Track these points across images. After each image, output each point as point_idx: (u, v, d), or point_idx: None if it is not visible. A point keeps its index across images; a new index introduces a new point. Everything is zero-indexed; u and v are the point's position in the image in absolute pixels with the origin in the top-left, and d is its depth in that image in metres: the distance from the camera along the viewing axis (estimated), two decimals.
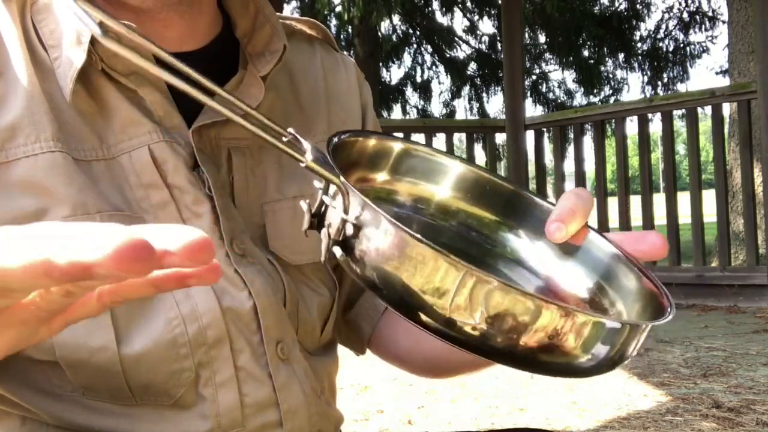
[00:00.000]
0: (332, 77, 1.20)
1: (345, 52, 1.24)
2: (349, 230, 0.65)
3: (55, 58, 0.95)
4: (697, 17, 17.27)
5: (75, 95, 0.93)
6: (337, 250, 0.66)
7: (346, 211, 0.65)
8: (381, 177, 0.88)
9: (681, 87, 17.82)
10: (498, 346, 0.63)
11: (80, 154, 0.92)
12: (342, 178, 0.66)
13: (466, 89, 18.48)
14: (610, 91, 18.26)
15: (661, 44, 17.58)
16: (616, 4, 17.20)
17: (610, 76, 18.14)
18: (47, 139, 0.90)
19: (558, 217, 0.84)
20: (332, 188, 0.68)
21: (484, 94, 18.32)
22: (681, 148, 39.02)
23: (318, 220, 0.71)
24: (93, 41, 0.92)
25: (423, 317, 0.63)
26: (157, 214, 0.95)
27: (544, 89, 18.71)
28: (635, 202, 7.86)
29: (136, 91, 0.96)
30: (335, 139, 0.81)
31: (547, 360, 0.67)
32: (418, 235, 0.61)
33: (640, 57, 17.63)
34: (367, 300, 1.21)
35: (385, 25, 17.41)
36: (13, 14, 0.95)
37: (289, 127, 1.11)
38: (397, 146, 0.88)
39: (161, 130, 0.96)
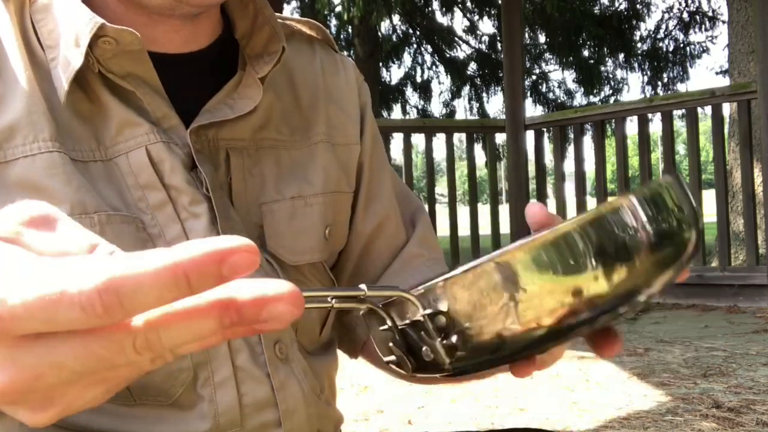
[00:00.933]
0: (331, 78, 1.20)
1: (345, 53, 1.25)
2: (441, 320, 0.64)
3: (52, 59, 0.95)
4: (697, 17, 17.28)
5: (72, 96, 0.94)
6: (451, 342, 0.64)
7: (424, 308, 0.63)
8: None
9: (681, 87, 17.86)
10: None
11: (78, 155, 0.92)
12: (401, 289, 0.65)
13: (466, 89, 18.50)
14: (610, 91, 18.28)
15: (661, 44, 17.59)
16: (616, 4, 17.21)
17: (610, 76, 18.15)
18: (45, 139, 0.90)
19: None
20: (395, 312, 0.66)
21: (484, 94, 18.34)
22: (681, 148, 39.04)
23: (406, 348, 0.68)
24: (91, 43, 0.92)
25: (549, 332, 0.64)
26: (154, 214, 0.95)
27: (544, 89, 18.73)
28: None
29: (133, 92, 0.96)
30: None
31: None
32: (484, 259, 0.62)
33: (640, 57, 17.64)
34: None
35: (385, 25, 17.43)
36: (11, 13, 0.96)
37: (288, 126, 1.11)
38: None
39: (158, 131, 0.96)
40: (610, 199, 0.67)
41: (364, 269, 1.21)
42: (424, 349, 0.66)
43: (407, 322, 0.65)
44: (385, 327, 0.67)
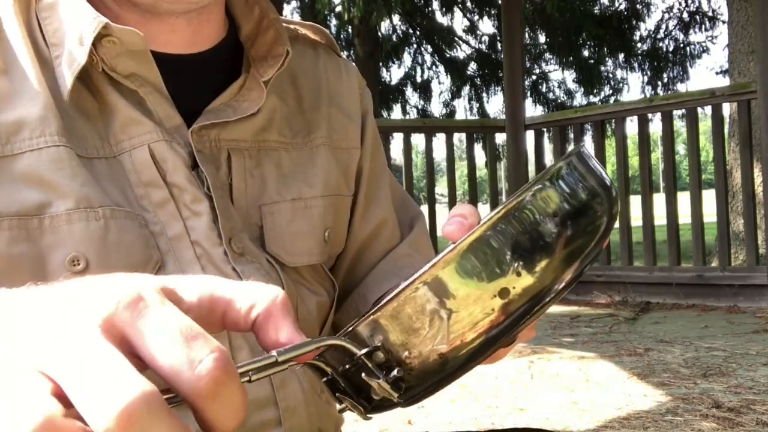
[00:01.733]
0: (334, 82, 1.20)
1: (345, 53, 1.25)
2: (379, 357, 0.63)
3: (57, 57, 0.95)
4: (697, 17, 17.28)
5: (76, 94, 0.94)
6: (395, 375, 0.63)
7: (359, 349, 0.62)
8: None
9: (681, 87, 17.90)
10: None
11: (82, 151, 0.93)
12: (330, 337, 0.62)
13: (466, 89, 18.49)
14: (610, 91, 18.27)
15: (661, 44, 17.58)
16: (616, 4, 17.21)
17: (610, 76, 18.14)
18: (52, 133, 0.90)
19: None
20: (333, 359, 0.64)
21: (484, 94, 18.33)
22: (681, 148, 39.06)
23: (352, 389, 0.65)
24: (95, 42, 0.93)
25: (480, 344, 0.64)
26: (156, 212, 0.95)
27: (544, 89, 18.72)
28: (635, 202, 7.87)
29: (136, 91, 0.96)
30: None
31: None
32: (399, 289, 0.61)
33: (640, 57, 17.63)
34: (350, 304, 1.22)
35: (385, 25, 17.41)
36: (17, 12, 0.96)
37: (290, 128, 1.12)
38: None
39: (161, 129, 0.97)
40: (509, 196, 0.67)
41: (357, 271, 1.22)
42: (371, 389, 0.64)
43: (347, 366, 0.63)
44: (326, 378, 0.65)
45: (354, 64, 1.28)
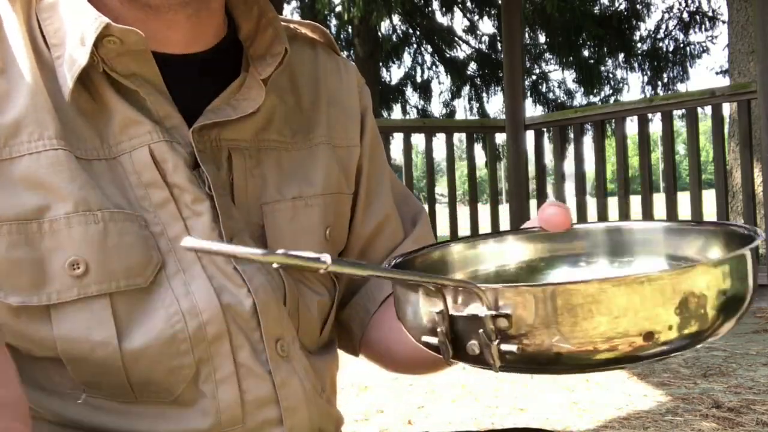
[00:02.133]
0: (333, 80, 1.21)
1: (345, 53, 1.25)
2: (503, 323, 0.64)
3: (57, 57, 0.95)
4: (697, 17, 17.28)
5: (76, 95, 0.94)
6: (507, 348, 0.65)
7: (489, 308, 0.63)
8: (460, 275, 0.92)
9: (681, 87, 17.87)
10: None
11: (82, 153, 0.93)
12: (472, 283, 0.64)
13: (466, 89, 18.50)
14: (610, 91, 18.27)
15: (661, 44, 17.58)
16: (616, 4, 17.21)
17: (610, 76, 18.14)
18: (50, 136, 0.90)
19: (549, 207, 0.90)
20: (450, 300, 0.66)
21: (484, 94, 18.34)
22: (681, 148, 39.07)
23: (453, 339, 0.68)
24: (96, 43, 0.93)
25: (608, 355, 0.65)
26: (157, 212, 0.95)
27: (544, 89, 18.73)
28: (635, 202, 7.86)
29: (137, 91, 0.96)
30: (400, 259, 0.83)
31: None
32: (573, 279, 0.64)
33: (640, 57, 17.63)
34: (357, 302, 1.22)
35: (385, 25, 17.42)
36: (17, 12, 0.96)
37: (289, 127, 1.12)
38: (450, 247, 0.93)
39: (161, 130, 0.97)
40: (707, 260, 0.72)
41: None
42: (471, 342, 0.65)
43: (463, 313, 0.65)
44: (436, 309, 0.66)
45: (353, 63, 1.28)
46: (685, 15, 17.36)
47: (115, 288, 0.91)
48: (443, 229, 8.08)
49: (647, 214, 7.23)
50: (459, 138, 8.56)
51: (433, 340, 0.68)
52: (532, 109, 17.86)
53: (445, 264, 0.92)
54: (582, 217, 7.58)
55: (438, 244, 0.95)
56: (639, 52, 17.65)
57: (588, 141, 8.48)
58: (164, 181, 0.96)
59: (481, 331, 0.64)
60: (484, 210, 8.12)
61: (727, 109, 8.20)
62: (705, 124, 22.39)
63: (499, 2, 10.55)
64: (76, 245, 0.89)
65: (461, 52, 18.58)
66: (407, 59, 19.89)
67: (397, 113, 18.73)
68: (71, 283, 0.89)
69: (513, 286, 0.63)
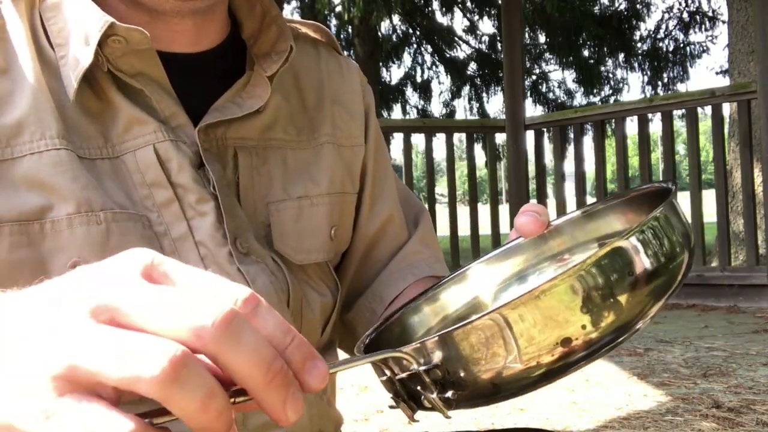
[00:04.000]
0: (336, 80, 1.20)
1: (345, 53, 1.25)
2: (436, 374, 0.67)
3: (61, 57, 0.95)
4: (697, 17, 17.27)
5: (80, 94, 0.94)
6: (447, 395, 0.68)
7: (419, 364, 0.67)
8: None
9: (681, 87, 17.88)
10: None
11: (85, 153, 0.93)
12: (395, 350, 0.67)
13: (466, 89, 18.50)
14: (610, 91, 18.28)
15: (661, 44, 17.58)
16: (616, 4, 17.21)
17: (610, 76, 18.15)
18: (53, 136, 0.90)
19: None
20: (393, 364, 0.69)
21: (484, 94, 18.34)
22: (681, 148, 39.06)
23: (404, 397, 0.72)
24: (101, 42, 0.92)
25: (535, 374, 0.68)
26: (160, 212, 0.95)
27: (544, 89, 18.73)
28: None
29: (142, 90, 0.96)
30: (367, 340, 0.88)
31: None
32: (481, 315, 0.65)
33: (640, 57, 17.63)
34: (364, 304, 1.22)
35: (385, 25, 17.42)
36: (20, 12, 0.96)
37: (294, 127, 1.12)
38: (405, 311, 0.97)
39: (166, 129, 0.96)
40: (602, 245, 0.72)
41: (366, 269, 1.22)
42: (422, 398, 0.69)
43: (405, 375, 0.68)
44: (384, 378, 0.70)
45: (355, 62, 1.28)
46: (685, 15, 17.36)
47: None
48: (443, 230, 8.08)
49: None
50: (459, 138, 8.57)
51: (394, 404, 0.73)
52: (532, 109, 17.87)
53: (420, 316, 0.97)
54: None
55: (408, 303, 0.99)
56: (639, 52, 17.66)
57: (588, 141, 8.49)
58: (168, 180, 0.95)
59: (419, 387, 0.68)
60: (484, 210, 8.12)
61: (727, 109, 8.20)
62: (705, 124, 22.40)
63: (499, 2, 10.55)
64: (77, 246, 0.89)
65: (461, 52, 18.59)
66: (407, 59, 19.92)
67: (397, 113, 18.75)
68: None
69: (430, 338, 0.66)
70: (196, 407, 0.46)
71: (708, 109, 7.02)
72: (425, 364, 0.66)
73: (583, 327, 0.66)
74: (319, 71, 1.19)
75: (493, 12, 17.28)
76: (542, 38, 17.99)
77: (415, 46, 18.41)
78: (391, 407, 0.74)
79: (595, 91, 17.91)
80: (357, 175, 1.20)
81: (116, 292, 0.48)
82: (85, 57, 0.93)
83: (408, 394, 0.71)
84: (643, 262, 0.68)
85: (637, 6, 17.27)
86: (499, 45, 17.43)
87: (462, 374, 0.66)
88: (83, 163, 0.92)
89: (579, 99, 18.56)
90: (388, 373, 0.69)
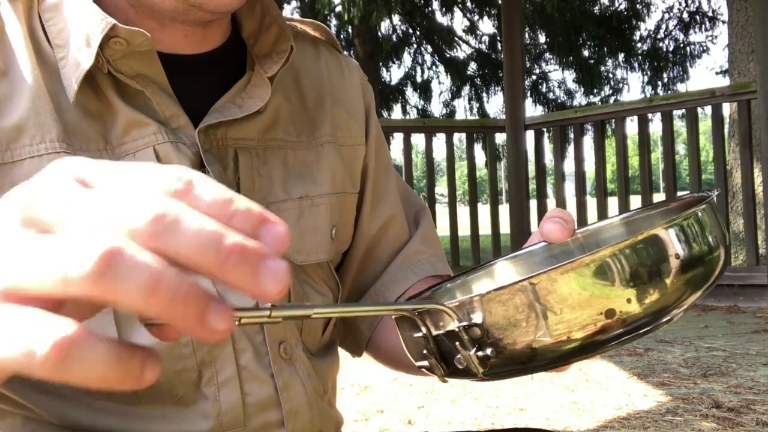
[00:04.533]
0: (336, 79, 1.20)
1: (348, 55, 1.25)
2: (476, 332, 0.67)
3: (61, 58, 0.95)
4: (697, 17, 17.27)
5: (80, 96, 0.94)
6: (484, 353, 0.68)
7: (460, 321, 0.67)
8: None
9: (681, 87, 17.91)
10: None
11: (85, 155, 0.92)
12: (438, 302, 0.68)
13: (466, 89, 18.49)
14: (610, 91, 18.28)
15: (661, 44, 17.58)
16: (616, 4, 17.20)
17: (610, 76, 18.15)
18: (53, 140, 0.90)
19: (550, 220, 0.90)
20: (429, 323, 0.70)
21: (484, 94, 18.33)
22: (681, 148, 39.10)
23: (439, 354, 0.72)
24: (102, 44, 0.92)
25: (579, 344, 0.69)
26: None
27: (544, 89, 18.72)
28: (635, 202, 7.87)
29: (142, 92, 0.96)
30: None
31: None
32: (533, 274, 0.66)
33: (640, 57, 17.63)
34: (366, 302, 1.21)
35: (385, 25, 17.42)
36: (19, 13, 0.95)
37: (295, 127, 1.12)
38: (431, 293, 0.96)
39: (166, 130, 0.96)
40: (645, 228, 0.71)
41: (368, 268, 1.22)
42: (457, 357, 0.69)
43: (442, 332, 0.68)
44: (419, 334, 0.70)
45: (356, 61, 1.28)
46: (685, 15, 17.35)
47: None
48: (443, 230, 8.08)
49: None
50: (459, 138, 8.57)
51: (426, 363, 0.73)
52: (532, 109, 17.86)
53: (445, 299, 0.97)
54: (582, 216, 7.58)
55: (441, 282, 0.99)
56: (639, 52, 17.65)
57: (588, 141, 8.48)
58: None
59: (458, 344, 0.68)
60: (484, 210, 8.12)
61: (727, 109, 8.20)
62: (705, 124, 22.42)
63: (499, 2, 10.55)
64: None
65: (461, 52, 18.58)
66: (407, 59, 19.93)
67: (397, 113, 18.75)
68: None
69: (474, 296, 0.66)
70: (142, 294, 0.42)
71: (708, 109, 7.03)
72: (465, 321, 0.66)
73: (628, 300, 0.67)
74: (319, 70, 1.19)
75: (493, 12, 17.28)
76: (542, 38, 17.99)
77: (415, 46, 18.41)
78: (420, 366, 0.74)
79: (595, 91, 17.91)
80: (358, 175, 1.19)
81: (45, 199, 0.45)
82: (86, 58, 0.92)
83: (440, 354, 0.71)
84: (688, 248, 0.70)
85: (637, 6, 17.27)
86: (499, 45, 17.42)
87: (501, 335, 0.67)
88: None
89: (579, 99, 18.56)
90: (423, 329, 0.69)
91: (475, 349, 0.67)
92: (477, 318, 0.66)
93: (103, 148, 0.94)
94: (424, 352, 0.72)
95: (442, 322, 0.67)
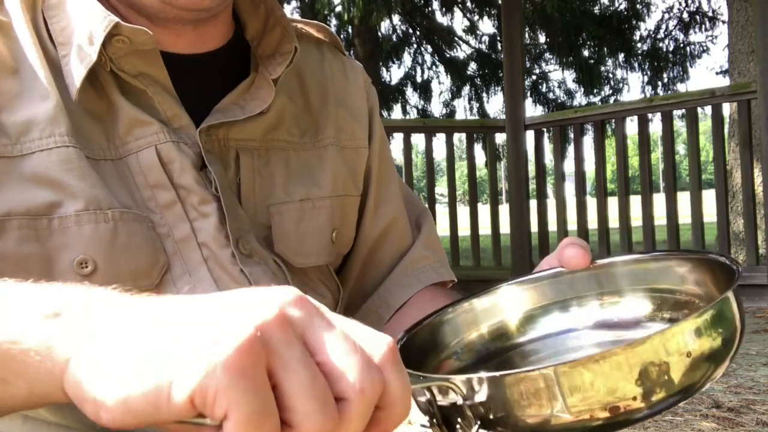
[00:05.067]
0: (340, 80, 1.20)
1: (348, 54, 1.25)
2: (479, 410, 0.68)
3: (64, 56, 0.95)
4: (697, 17, 17.26)
5: (83, 94, 0.94)
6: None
7: (465, 399, 0.68)
8: (446, 352, 0.95)
9: (681, 87, 17.90)
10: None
11: (89, 153, 0.93)
12: (449, 378, 0.69)
13: (466, 89, 18.48)
14: (610, 91, 18.26)
15: (661, 44, 17.57)
16: (616, 4, 17.20)
17: (610, 76, 18.13)
18: (62, 134, 0.90)
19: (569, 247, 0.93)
20: (435, 391, 0.71)
21: (484, 94, 18.32)
22: (681, 148, 39.08)
23: (439, 421, 0.73)
24: (104, 42, 0.92)
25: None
26: (163, 213, 0.95)
27: (544, 89, 18.71)
28: (635, 202, 7.87)
29: (144, 91, 0.96)
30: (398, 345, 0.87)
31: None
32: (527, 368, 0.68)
33: (640, 57, 17.62)
34: (370, 308, 1.21)
35: (385, 25, 17.41)
36: (23, 10, 0.96)
37: (298, 128, 1.12)
38: (439, 318, 0.96)
39: (168, 130, 0.96)
40: (663, 326, 0.72)
41: (371, 271, 1.22)
42: (458, 426, 0.70)
43: (446, 404, 0.69)
44: (423, 399, 0.71)
45: (359, 63, 1.28)
46: (685, 15, 17.35)
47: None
48: (443, 230, 8.08)
49: (647, 214, 7.24)
50: (459, 138, 8.58)
51: (427, 423, 0.74)
52: (532, 109, 17.83)
53: (451, 326, 0.96)
54: (583, 216, 7.58)
55: (441, 309, 0.98)
56: (639, 52, 17.64)
57: (588, 141, 8.48)
58: (171, 182, 0.95)
59: (459, 419, 0.69)
60: (484, 210, 8.12)
61: (727, 109, 8.20)
62: (705, 124, 22.40)
63: (499, 2, 10.55)
64: (84, 244, 0.89)
65: (461, 52, 18.57)
66: (407, 59, 19.87)
67: (397, 113, 18.73)
68: (78, 282, 0.89)
69: (477, 375, 0.67)
70: None
71: (708, 109, 7.03)
72: (470, 398, 0.67)
73: (634, 399, 0.67)
74: (323, 72, 1.19)
75: (493, 12, 17.27)
76: (542, 38, 17.98)
77: (415, 46, 18.40)
78: (423, 426, 0.75)
79: (595, 91, 17.90)
80: (360, 177, 1.19)
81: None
82: (89, 56, 0.93)
83: (443, 418, 0.72)
84: (702, 345, 0.69)
85: (637, 6, 17.27)
86: (499, 45, 17.41)
87: (503, 416, 0.68)
88: (89, 162, 0.92)
89: (579, 99, 18.55)
90: (428, 395, 0.70)
91: (477, 426, 0.69)
92: (482, 396, 0.67)
93: (106, 147, 0.95)
94: (428, 418, 0.73)
95: (449, 392, 0.68)
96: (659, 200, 7.41)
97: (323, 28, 1.22)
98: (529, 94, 17.67)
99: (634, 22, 17.39)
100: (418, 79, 18.74)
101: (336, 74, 1.20)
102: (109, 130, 0.96)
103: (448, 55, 18.44)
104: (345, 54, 1.25)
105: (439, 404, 0.70)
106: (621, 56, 17.73)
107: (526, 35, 16.78)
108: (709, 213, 7.42)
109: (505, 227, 8.00)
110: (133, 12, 0.99)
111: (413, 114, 18.78)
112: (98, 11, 0.94)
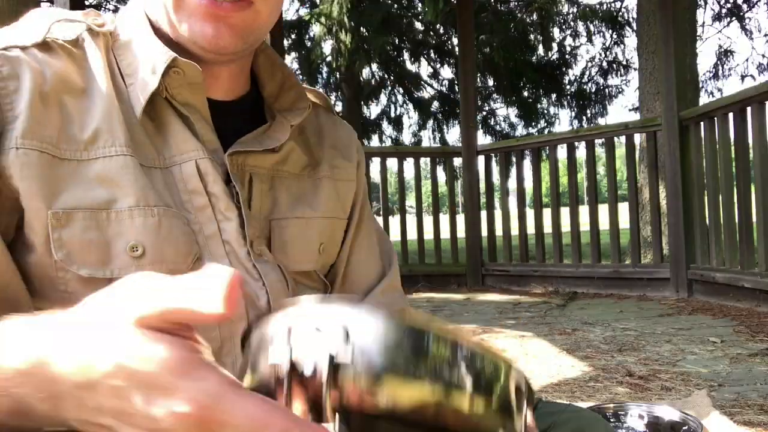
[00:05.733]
0: (332, 131, 1.22)
1: (335, 98, 1.26)
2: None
3: (130, 84, 0.97)
4: (614, 65, 17.36)
5: (143, 114, 0.95)
6: None
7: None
8: None
9: (601, 121, 17.87)
10: None
11: (144, 161, 0.94)
12: None
13: (430, 122, 18.48)
14: (545, 124, 18.30)
15: (585, 87, 17.64)
16: (550, 55, 17.28)
17: (545, 112, 18.18)
18: (122, 145, 0.91)
19: None
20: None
21: (445, 127, 18.32)
22: (601, 170, 39.09)
23: None
24: (164, 72, 0.94)
25: None
26: (197, 214, 0.96)
27: (492, 122, 18.73)
28: (565, 212, 7.90)
29: (188, 117, 0.98)
30: None
31: None
32: None
33: (568, 97, 17.68)
34: None
35: (365, 72, 17.43)
36: (100, 47, 0.97)
37: (300, 165, 1.13)
38: None
39: (204, 150, 0.98)
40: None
41: (348, 281, 1.21)
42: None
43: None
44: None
45: (349, 125, 1.28)
46: (605, 63, 17.44)
47: (164, 270, 0.89)
48: (412, 234, 8.08)
49: (574, 222, 7.27)
50: (425, 161, 8.53)
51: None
52: (483, 138, 17.85)
53: None
54: (522, 224, 7.59)
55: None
56: (568, 92, 17.71)
57: (527, 164, 8.49)
58: (205, 190, 0.97)
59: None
60: (444, 219, 8.12)
61: (638, 138, 8.25)
62: (620, 150, 22.45)
63: (457, 54, 10.54)
64: (135, 232, 0.89)
65: (426, 93, 18.59)
66: (383, 99, 19.84)
67: (375, 142, 18.69)
68: (130, 263, 0.89)
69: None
70: None
71: (623, 138, 7.07)
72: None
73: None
74: (319, 125, 1.20)
75: (452, 61, 17.32)
76: (491, 82, 18.01)
77: (389, 88, 18.39)
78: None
79: (533, 124, 17.94)
80: (348, 205, 1.20)
81: None
82: (152, 83, 0.95)
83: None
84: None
85: (567, 56, 17.37)
86: (456, 87, 17.45)
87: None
88: (143, 169, 0.93)
89: (520, 130, 18.57)
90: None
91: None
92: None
93: (156, 157, 0.96)
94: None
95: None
96: (584, 211, 7.45)
97: (319, 94, 1.24)
98: (480, 126, 17.71)
99: (564, 69, 17.48)
100: (392, 115, 18.74)
101: (329, 126, 1.22)
102: (160, 145, 0.97)
103: (416, 96, 18.46)
104: (336, 114, 1.26)
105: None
106: (554, 96, 17.80)
107: (478, 80, 16.83)
108: (624, 221, 7.46)
109: (461, 232, 8.01)
110: (186, 55, 1.00)
111: (388, 142, 18.78)
112: (159, 47, 0.96)
